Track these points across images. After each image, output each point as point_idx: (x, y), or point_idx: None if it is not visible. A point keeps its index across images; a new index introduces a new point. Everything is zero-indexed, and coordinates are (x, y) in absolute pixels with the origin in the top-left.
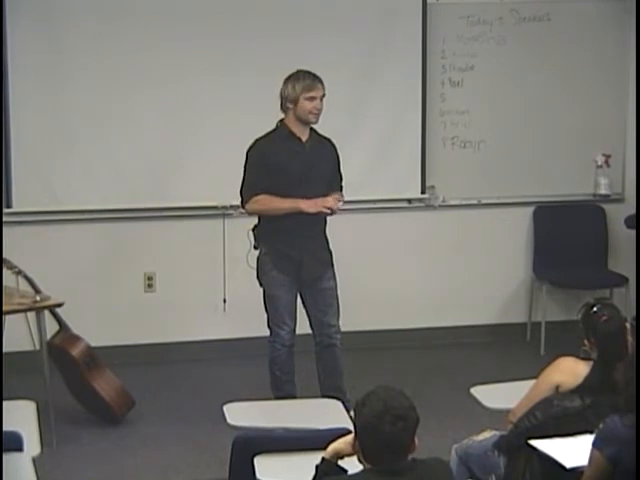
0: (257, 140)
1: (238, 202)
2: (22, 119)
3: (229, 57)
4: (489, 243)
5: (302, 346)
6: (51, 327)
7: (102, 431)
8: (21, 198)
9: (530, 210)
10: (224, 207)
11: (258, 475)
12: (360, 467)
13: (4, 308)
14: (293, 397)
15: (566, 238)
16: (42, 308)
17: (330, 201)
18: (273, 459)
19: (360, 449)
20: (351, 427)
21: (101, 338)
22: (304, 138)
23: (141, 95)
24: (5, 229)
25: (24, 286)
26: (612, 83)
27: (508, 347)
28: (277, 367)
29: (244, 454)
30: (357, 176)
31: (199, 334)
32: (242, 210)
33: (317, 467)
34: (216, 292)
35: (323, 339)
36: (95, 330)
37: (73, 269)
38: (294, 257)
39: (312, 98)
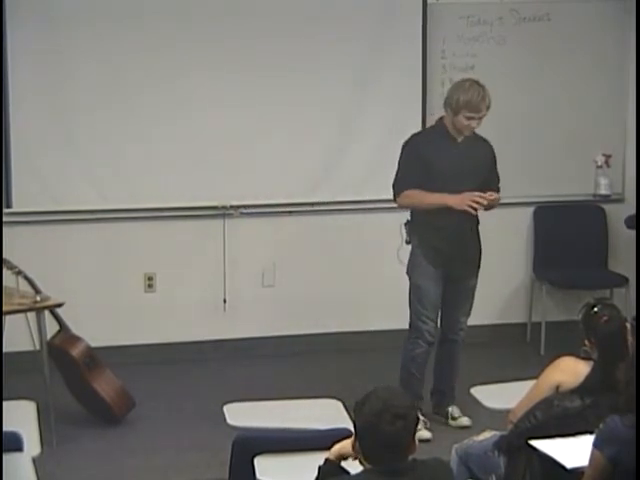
0: (413, 135)
1: (238, 202)
2: (22, 119)
3: (229, 57)
4: (489, 243)
5: (305, 346)
6: (51, 327)
7: (102, 431)
8: (21, 198)
9: (530, 210)
10: (224, 207)
11: (258, 475)
12: (361, 468)
13: (4, 308)
14: (421, 398)
15: (566, 238)
16: (42, 308)
17: (476, 197)
18: (273, 459)
19: (360, 449)
20: (351, 427)
21: (101, 338)
22: (459, 139)
23: (141, 95)
24: (5, 229)
25: (24, 286)
26: (612, 83)
27: (508, 347)
28: (415, 366)
29: (244, 454)
30: (358, 176)
31: (199, 334)
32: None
33: (320, 468)
34: (216, 292)
35: (447, 333)
36: (95, 330)
37: (73, 269)
38: (444, 251)
39: (471, 118)
